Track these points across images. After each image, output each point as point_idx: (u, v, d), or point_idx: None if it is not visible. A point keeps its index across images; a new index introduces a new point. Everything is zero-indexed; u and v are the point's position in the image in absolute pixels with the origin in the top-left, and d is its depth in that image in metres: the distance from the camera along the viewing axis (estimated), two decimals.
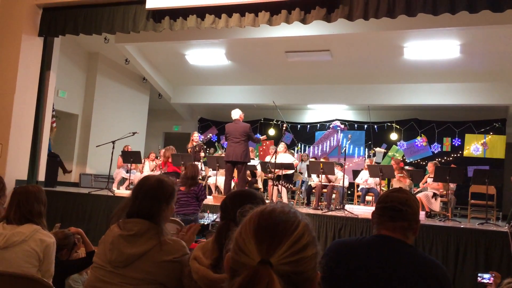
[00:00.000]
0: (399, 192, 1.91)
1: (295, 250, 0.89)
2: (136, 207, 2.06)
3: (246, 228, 0.93)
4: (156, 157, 10.90)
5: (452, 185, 8.64)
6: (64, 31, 8.01)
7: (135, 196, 2.09)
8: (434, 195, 7.93)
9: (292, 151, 11.98)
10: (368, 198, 9.27)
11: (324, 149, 13.37)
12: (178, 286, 1.90)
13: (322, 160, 9.25)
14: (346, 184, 8.99)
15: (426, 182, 8.30)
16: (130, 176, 9.75)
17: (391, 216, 1.82)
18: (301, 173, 10.09)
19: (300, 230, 0.92)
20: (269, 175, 8.78)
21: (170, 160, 9.60)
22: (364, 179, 9.34)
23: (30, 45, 8.10)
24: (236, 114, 7.91)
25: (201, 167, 9.91)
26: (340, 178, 9.06)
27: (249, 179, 9.39)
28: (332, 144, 13.09)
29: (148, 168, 10.47)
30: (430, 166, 8.34)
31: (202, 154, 9.89)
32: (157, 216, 2.04)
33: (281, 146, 8.87)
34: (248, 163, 7.87)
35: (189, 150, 9.75)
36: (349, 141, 9.64)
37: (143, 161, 10.20)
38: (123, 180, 10.55)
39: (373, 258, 1.76)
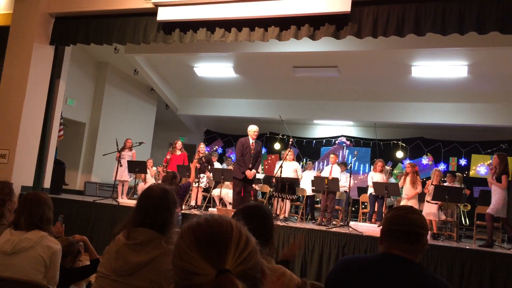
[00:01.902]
0: (414, 214, 1.89)
1: (242, 248, 0.89)
2: (142, 218, 2.07)
3: (185, 249, 0.90)
4: (161, 165, 10.87)
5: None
6: (75, 40, 8.11)
7: (140, 208, 2.11)
8: (439, 207, 7.85)
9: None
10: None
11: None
12: None
13: (331, 156, 9.22)
14: (346, 183, 8.92)
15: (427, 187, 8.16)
16: (135, 184, 9.77)
17: (409, 239, 1.81)
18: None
19: (235, 228, 0.93)
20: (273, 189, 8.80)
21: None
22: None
23: (41, 53, 8.19)
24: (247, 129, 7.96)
25: (206, 180, 9.87)
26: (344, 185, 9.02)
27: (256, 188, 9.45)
28: (338, 161, 13.06)
29: (150, 176, 10.38)
30: (437, 175, 8.18)
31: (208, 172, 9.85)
32: (165, 225, 2.06)
33: (290, 154, 8.85)
34: (234, 177, 7.85)
35: (194, 161, 9.74)
36: (355, 158, 9.61)
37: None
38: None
39: (381, 276, 1.75)
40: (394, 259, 1.80)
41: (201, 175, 9.42)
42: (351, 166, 8.51)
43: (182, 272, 0.89)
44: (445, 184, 8.14)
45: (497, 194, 6.87)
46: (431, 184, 7.97)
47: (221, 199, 9.40)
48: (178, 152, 9.91)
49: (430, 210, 7.80)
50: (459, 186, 8.72)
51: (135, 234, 2.02)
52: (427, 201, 7.91)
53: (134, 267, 1.93)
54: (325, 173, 8.97)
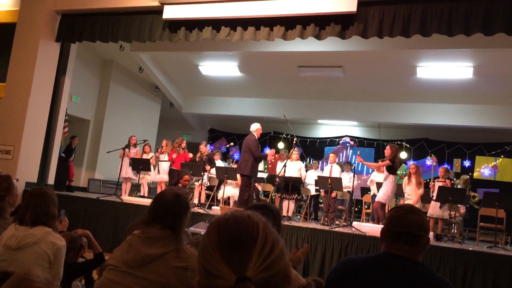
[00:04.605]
0: (414, 214, 1.86)
1: (265, 255, 0.87)
2: (152, 220, 2.10)
3: (208, 249, 0.89)
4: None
5: (462, 209, 8.53)
6: (81, 38, 8.14)
7: (155, 212, 2.13)
8: (442, 204, 7.84)
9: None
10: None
11: None
12: None
13: (331, 155, 9.26)
14: (349, 183, 8.97)
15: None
16: (138, 181, 9.76)
17: (407, 240, 1.80)
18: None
19: (262, 232, 0.90)
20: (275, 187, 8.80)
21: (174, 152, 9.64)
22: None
23: (47, 50, 8.22)
24: (253, 127, 7.96)
25: (207, 179, 9.81)
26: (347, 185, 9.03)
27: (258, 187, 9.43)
28: (341, 160, 13.05)
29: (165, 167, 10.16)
30: (441, 172, 8.23)
31: (208, 167, 9.82)
32: (178, 228, 2.10)
33: (294, 153, 8.87)
34: (248, 175, 7.83)
35: (197, 160, 9.76)
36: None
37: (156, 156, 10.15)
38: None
39: (381, 275, 1.75)
40: (394, 258, 1.80)
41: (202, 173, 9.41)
42: (355, 166, 8.49)
43: (204, 272, 0.89)
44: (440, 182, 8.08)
45: (389, 184, 7.28)
46: (438, 181, 7.98)
47: (228, 198, 9.39)
48: (182, 151, 9.86)
49: (436, 209, 7.78)
50: (463, 188, 8.69)
51: (149, 229, 2.07)
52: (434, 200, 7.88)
53: (145, 259, 1.96)
54: (325, 173, 8.99)
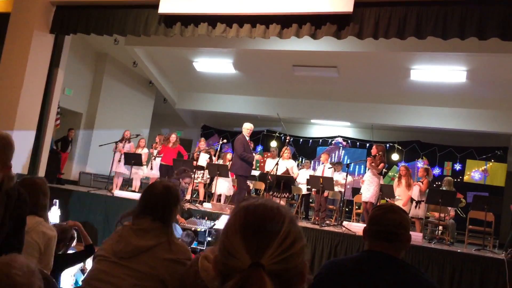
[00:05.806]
0: (393, 213, 1.92)
1: (284, 248, 0.88)
2: (143, 212, 2.10)
3: (232, 229, 0.91)
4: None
5: (452, 211, 8.60)
6: (76, 30, 8.08)
7: (145, 204, 2.13)
8: (417, 203, 7.91)
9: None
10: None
11: None
12: (178, 286, 1.93)
13: (322, 156, 9.31)
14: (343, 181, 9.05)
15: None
16: (130, 176, 9.72)
17: (387, 238, 1.87)
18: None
19: (286, 226, 0.91)
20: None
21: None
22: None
23: (41, 41, 8.16)
24: (243, 126, 8.00)
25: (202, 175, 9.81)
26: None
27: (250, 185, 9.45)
28: (333, 160, 13.09)
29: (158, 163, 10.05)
30: (421, 171, 8.34)
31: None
32: (168, 220, 2.11)
33: (286, 152, 8.92)
34: (241, 175, 7.85)
35: (194, 154, 9.77)
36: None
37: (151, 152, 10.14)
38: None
39: (366, 272, 1.79)
40: (376, 256, 1.86)
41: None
42: (347, 165, 8.52)
43: (223, 249, 0.90)
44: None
45: (375, 183, 7.70)
46: (420, 182, 8.08)
47: (219, 195, 9.39)
48: (171, 145, 9.77)
49: (412, 209, 7.90)
50: (448, 190, 8.75)
51: (139, 221, 2.07)
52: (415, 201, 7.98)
53: (135, 250, 1.96)
54: (317, 173, 9.02)
